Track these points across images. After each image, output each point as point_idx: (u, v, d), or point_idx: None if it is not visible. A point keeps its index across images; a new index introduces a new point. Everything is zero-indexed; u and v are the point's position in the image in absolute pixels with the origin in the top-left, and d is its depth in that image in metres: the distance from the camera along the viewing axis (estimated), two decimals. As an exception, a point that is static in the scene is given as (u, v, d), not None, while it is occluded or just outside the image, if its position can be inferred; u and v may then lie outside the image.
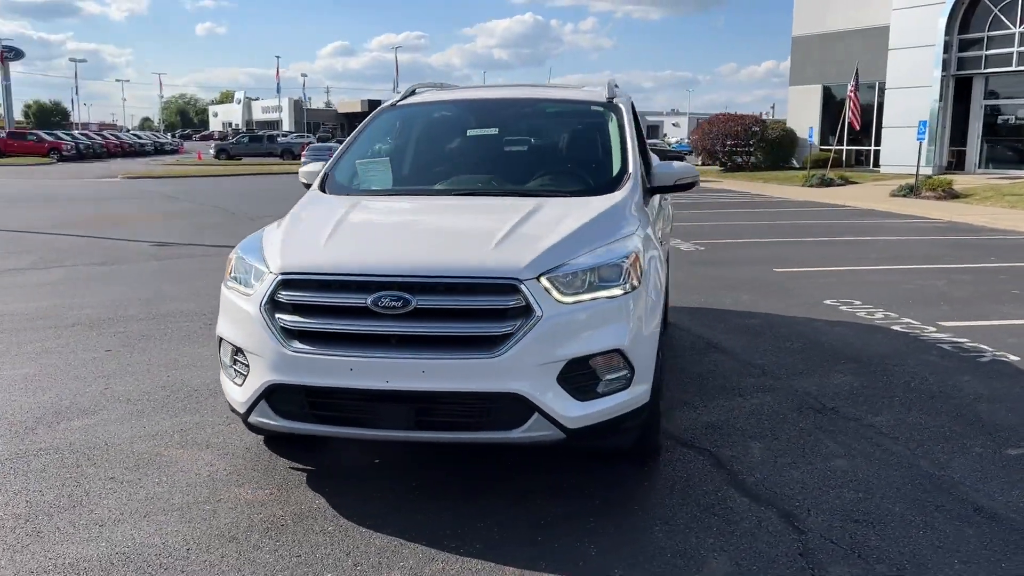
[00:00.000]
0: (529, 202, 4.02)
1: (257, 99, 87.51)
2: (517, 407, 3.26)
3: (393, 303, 3.27)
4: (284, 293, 3.42)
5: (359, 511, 3.49)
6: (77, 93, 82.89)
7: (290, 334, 3.39)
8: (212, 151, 52.28)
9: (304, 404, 3.41)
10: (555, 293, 3.31)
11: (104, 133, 64.55)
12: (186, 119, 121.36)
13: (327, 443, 4.18)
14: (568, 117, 5.18)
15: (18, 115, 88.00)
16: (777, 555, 3.14)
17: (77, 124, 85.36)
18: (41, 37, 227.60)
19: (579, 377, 3.35)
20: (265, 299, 3.45)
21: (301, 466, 3.97)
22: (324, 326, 3.35)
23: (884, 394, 5.06)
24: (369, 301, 3.28)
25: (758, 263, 10.24)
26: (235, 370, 3.61)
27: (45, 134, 52.86)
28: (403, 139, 5.08)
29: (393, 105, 5.25)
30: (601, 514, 3.47)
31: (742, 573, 3.01)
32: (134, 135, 67.20)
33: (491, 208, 4.01)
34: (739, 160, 32.29)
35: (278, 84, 75.60)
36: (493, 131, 5.02)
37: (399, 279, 3.30)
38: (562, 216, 3.82)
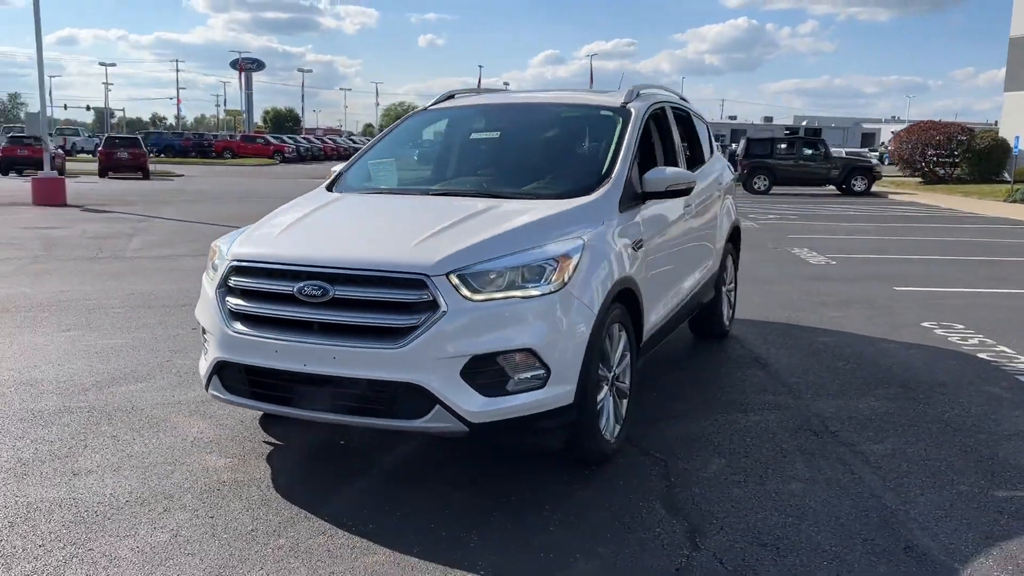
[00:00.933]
0: (488, 203, 4.14)
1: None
2: (419, 397, 3.41)
3: (314, 292, 3.51)
4: (233, 278, 3.76)
5: (298, 488, 3.75)
6: (304, 100, 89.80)
7: (234, 316, 3.72)
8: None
9: (244, 381, 3.73)
10: (464, 290, 3.42)
11: (324, 137, 69.77)
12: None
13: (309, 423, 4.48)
14: (573, 121, 5.21)
15: (259, 120, 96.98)
16: (653, 566, 3.09)
17: (305, 129, 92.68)
18: (285, 50, 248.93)
19: (485, 373, 3.44)
20: (219, 283, 3.81)
21: (275, 441, 4.30)
22: (259, 310, 3.65)
23: (906, 422, 4.70)
24: (295, 289, 3.55)
25: (882, 280, 9.59)
26: (203, 348, 4.00)
27: (272, 138, 58.06)
28: (418, 141, 5.32)
29: (425, 109, 5.50)
30: (510, 509, 3.54)
31: (600, 579, 3.00)
32: (350, 139, 72.19)
33: (446, 208, 4.15)
34: (941, 172, 29.89)
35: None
36: (495, 135, 5.15)
37: (321, 270, 3.54)
38: (507, 218, 3.91)
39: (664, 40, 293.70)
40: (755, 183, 27.21)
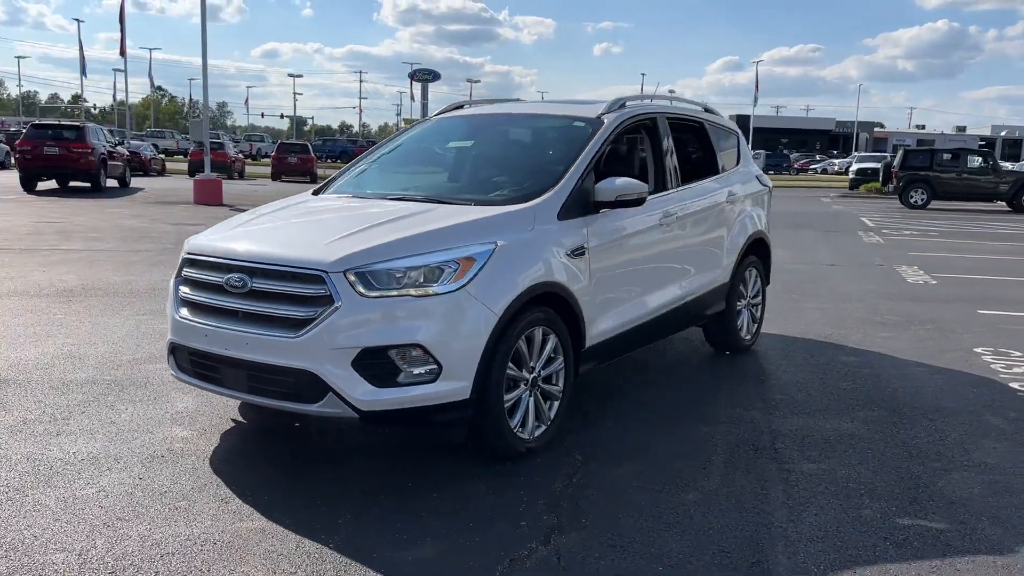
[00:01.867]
0: (426, 207, 4.41)
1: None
2: (314, 384, 3.72)
3: (236, 283, 3.91)
4: (185, 270, 4.23)
5: (228, 461, 4.15)
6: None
7: (183, 303, 4.19)
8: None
9: (188, 362, 4.18)
10: (359, 287, 3.70)
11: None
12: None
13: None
14: (546, 132, 5.35)
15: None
16: (490, 555, 3.24)
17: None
18: (465, 61, 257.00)
19: (376, 364, 3.71)
20: (175, 274, 4.29)
21: (240, 420, 4.74)
22: (198, 298, 4.10)
23: (863, 445, 4.54)
24: (224, 280, 3.96)
25: (970, 302, 8.99)
26: None
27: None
28: (407, 147, 5.64)
29: (427, 118, 5.82)
30: (401, 494, 3.78)
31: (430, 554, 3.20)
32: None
33: (384, 211, 4.43)
34: None
35: (643, 99, 77.67)
36: (468, 144, 5.39)
37: (244, 264, 3.93)
38: (432, 221, 4.15)
39: (852, 45, 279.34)
40: (911, 197, 25.71)
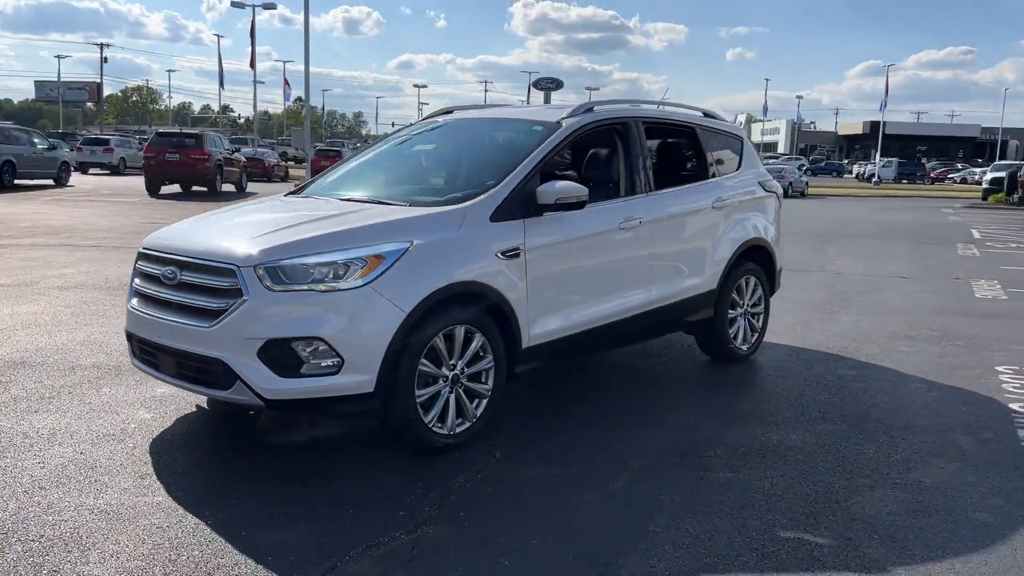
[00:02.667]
0: (357, 207, 4.62)
1: (759, 121, 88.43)
2: (225, 371, 3.96)
3: (169, 276, 4.21)
4: (139, 263, 4.57)
5: (170, 443, 4.45)
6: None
7: (134, 293, 4.53)
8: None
9: (138, 348, 4.51)
10: (267, 281, 3.92)
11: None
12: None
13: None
14: (508, 136, 5.41)
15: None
16: (343, 540, 3.38)
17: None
18: (593, 68, 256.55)
19: (280, 355, 3.91)
20: (133, 267, 4.64)
21: (203, 407, 5.04)
22: (145, 289, 4.42)
23: (800, 457, 4.42)
24: (161, 273, 4.27)
25: (1028, 319, 8.43)
26: None
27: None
28: (386, 151, 5.83)
29: (412, 123, 6.01)
30: (306, 482, 3.98)
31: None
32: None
33: (318, 210, 4.65)
34: None
35: (764, 106, 75.50)
36: (430, 148, 5.53)
37: (176, 258, 4.23)
38: (357, 220, 4.34)
39: (1008, 47, 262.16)
40: (1037, 207, 24.03)
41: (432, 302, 4.13)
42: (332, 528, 3.49)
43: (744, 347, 6.41)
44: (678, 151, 6.17)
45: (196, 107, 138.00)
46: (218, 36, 52.60)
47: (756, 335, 6.55)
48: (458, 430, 4.37)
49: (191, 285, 4.13)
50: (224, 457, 4.29)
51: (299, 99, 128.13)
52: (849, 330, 7.64)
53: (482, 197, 4.58)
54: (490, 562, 3.24)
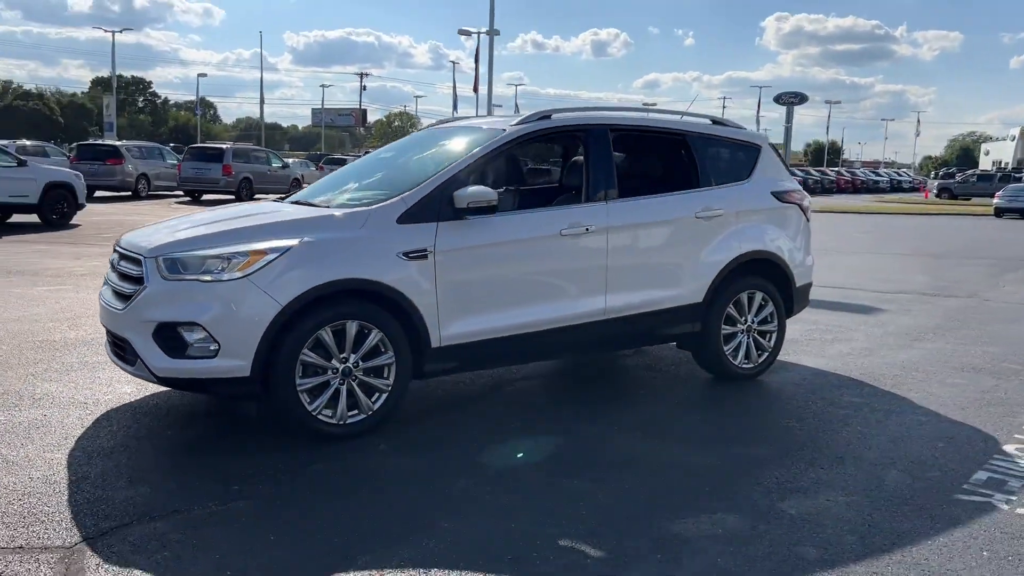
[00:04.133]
0: (275, 207, 5.12)
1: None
2: (130, 350, 4.48)
3: (116, 266, 4.81)
4: (112, 257, 5.23)
5: (132, 417, 5.03)
6: (843, 131, 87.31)
7: (105, 282, 5.18)
8: (934, 189, 50.59)
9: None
10: (163, 271, 4.40)
11: (846, 170, 67.54)
12: (968, 158, 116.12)
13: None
14: (455, 142, 5.51)
15: (800, 152, 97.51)
16: (158, 502, 3.74)
17: (842, 161, 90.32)
18: (852, 81, 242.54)
19: (169, 337, 4.37)
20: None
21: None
22: (108, 279, 5.04)
23: (680, 477, 4.20)
24: (112, 262, 4.89)
25: None
26: None
27: (797, 171, 58.52)
28: (368, 159, 6.16)
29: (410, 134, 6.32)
30: (168, 451, 4.40)
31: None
32: (870, 172, 68.78)
33: (253, 212, 5.06)
34: None
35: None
36: (390, 155, 5.77)
37: (123, 251, 4.81)
38: (260, 220, 4.75)
39: None
40: None
41: (313, 296, 4.40)
42: (159, 491, 3.85)
43: (747, 366, 6.05)
44: (659, 159, 5.99)
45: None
46: (453, 63, 55.11)
47: (765, 355, 6.15)
48: (349, 420, 4.58)
49: (123, 274, 4.70)
50: (162, 431, 4.79)
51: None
52: (911, 358, 6.93)
53: (393, 200, 4.79)
54: (257, 538, 3.44)
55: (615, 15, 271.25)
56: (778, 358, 6.64)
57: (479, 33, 40.85)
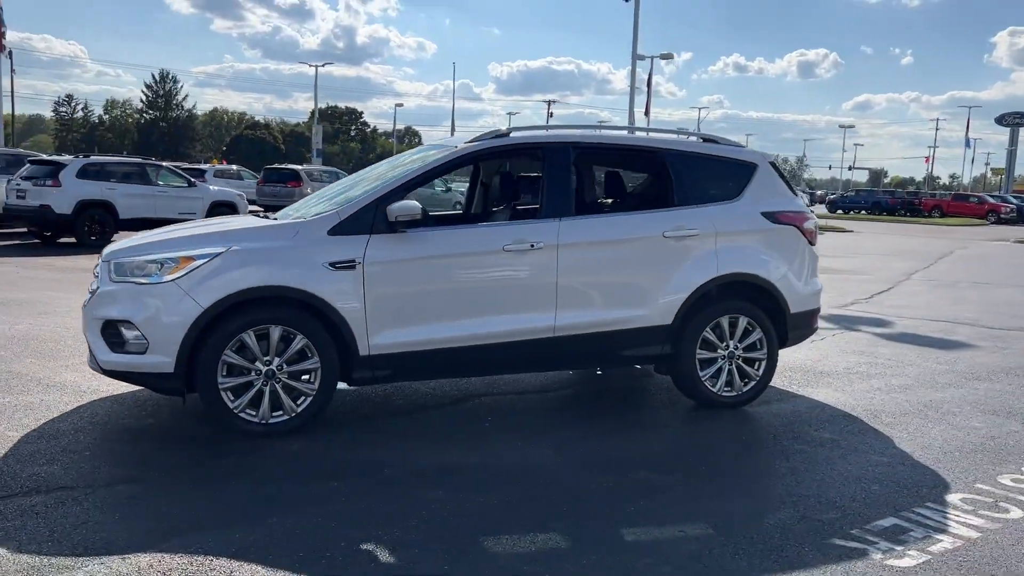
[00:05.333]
0: (230, 219, 5.42)
1: None
2: (88, 345, 5.00)
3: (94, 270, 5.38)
4: (110, 261, 5.82)
5: (101, 402, 5.61)
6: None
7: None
8: None
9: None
10: (112, 273, 4.88)
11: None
12: None
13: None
14: (414, 159, 5.65)
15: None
16: (60, 478, 4.17)
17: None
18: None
19: (111, 333, 4.83)
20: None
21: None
22: None
23: (543, 496, 4.12)
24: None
25: None
26: None
27: (991, 197, 53.44)
28: (356, 174, 6.42)
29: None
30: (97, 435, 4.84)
31: None
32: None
33: (219, 224, 5.45)
34: None
35: None
36: (372, 171, 6.00)
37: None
38: (205, 230, 5.14)
39: None
40: None
41: (236, 300, 4.72)
42: (68, 469, 4.28)
43: (729, 393, 5.77)
44: (631, 177, 5.85)
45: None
46: (631, 87, 54.17)
47: (752, 384, 5.83)
48: (272, 421, 4.85)
49: (96, 276, 5.24)
50: (137, 438, 5.28)
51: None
52: (944, 398, 6.30)
53: (327, 213, 5.05)
54: (108, 516, 3.76)
55: (825, 35, 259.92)
56: (789, 389, 6.31)
57: (652, 58, 40.71)
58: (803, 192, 62.25)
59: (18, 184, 16.58)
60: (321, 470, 4.40)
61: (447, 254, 5.16)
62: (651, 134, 6.13)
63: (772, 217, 5.89)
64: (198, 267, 4.74)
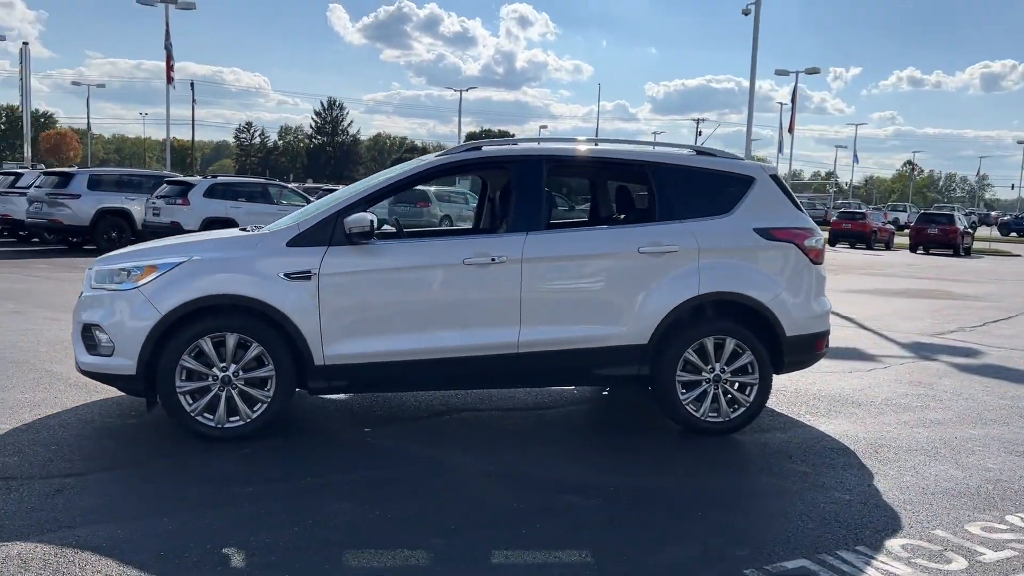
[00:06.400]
0: (221, 233, 5.63)
1: None
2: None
3: (93, 277, 5.76)
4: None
5: (99, 413, 5.97)
6: None
7: None
8: None
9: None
10: (92, 280, 5.20)
11: None
12: None
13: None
14: (389, 172, 5.67)
15: None
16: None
17: None
18: None
19: (88, 336, 5.14)
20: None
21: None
22: None
23: (422, 523, 4.03)
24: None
25: None
26: None
27: None
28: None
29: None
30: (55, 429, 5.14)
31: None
32: None
33: (200, 235, 5.69)
34: None
35: None
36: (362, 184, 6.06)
37: None
38: (184, 241, 5.41)
39: None
40: None
41: (193, 308, 4.92)
42: (24, 460, 4.58)
43: (715, 419, 5.45)
44: (610, 191, 5.64)
45: (807, 173, 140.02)
46: (781, 104, 51.64)
47: (741, 410, 5.48)
48: (228, 425, 5.01)
49: (87, 282, 5.60)
50: (112, 434, 5.61)
51: (908, 163, 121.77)
52: (971, 435, 5.69)
53: (288, 225, 5.18)
54: (34, 502, 4.00)
55: (1013, 45, 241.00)
56: (797, 417, 5.91)
57: (796, 73, 39.22)
58: (969, 212, 57.63)
59: (154, 203, 17.97)
60: (238, 476, 4.48)
61: (405, 266, 5.17)
62: (635, 147, 5.88)
63: (766, 233, 5.53)
64: (160, 275, 4.97)
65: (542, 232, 5.30)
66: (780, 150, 49.95)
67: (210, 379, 4.99)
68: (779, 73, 39.31)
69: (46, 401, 5.78)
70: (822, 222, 46.73)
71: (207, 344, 4.96)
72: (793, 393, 6.69)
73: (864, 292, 15.26)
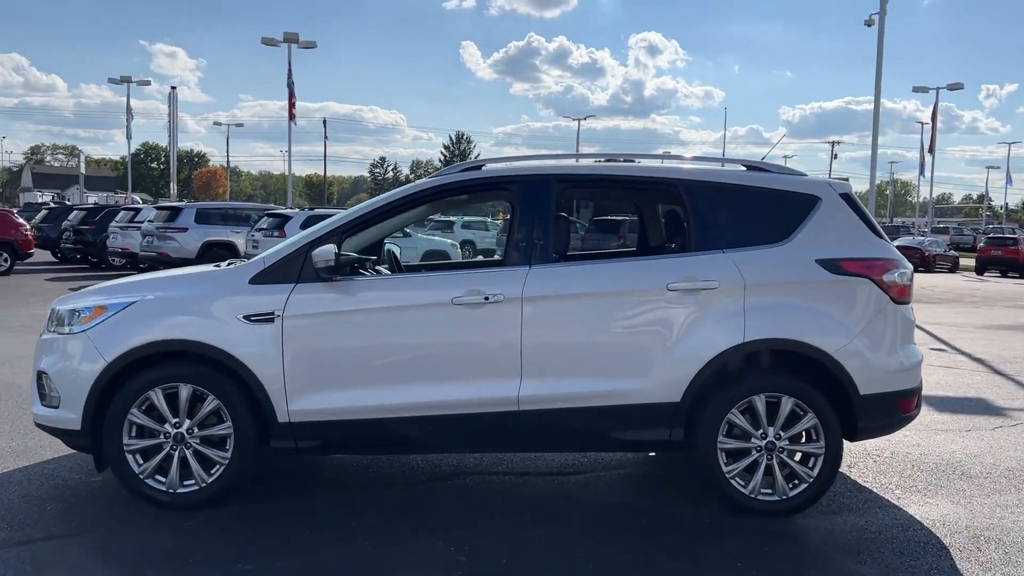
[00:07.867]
0: (199, 267, 5.05)
1: None
2: (37, 395, 4.83)
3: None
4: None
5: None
6: None
7: None
8: None
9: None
10: (52, 323, 4.63)
11: None
12: None
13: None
14: (385, 193, 4.91)
15: None
16: None
17: None
18: None
19: (40, 385, 4.59)
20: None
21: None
22: None
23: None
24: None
25: None
26: None
27: None
28: None
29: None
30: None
31: None
32: None
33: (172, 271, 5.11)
34: None
35: None
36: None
37: None
38: (146, 277, 4.87)
39: None
40: None
41: (140, 355, 4.30)
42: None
43: (769, 497, 4.38)
44: (635, 215, 4.68)
45: (957, 197, 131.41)
46: (921, 124, 47.33)
47: (803, 487, 4.38)
48: (180, 490, 4.34)
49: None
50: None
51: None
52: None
53: (252, 260, 4.51)
54: None
55: None
56: (885, 495, 4.81)
57: (938, 89, 36.42)
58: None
59: (253, 236, 18.07)
60: (176, 554, 3.79)
61: (383, 307, 4.40)
62: (666, 163, 4.88)
63: (833, 265, 4.44)
64: (108, 317, 4.39)
65: (548, 265, 4.42)
66: (921, 172, 46.60)
67: (162, 436, 4.34)
68: (917, 90, 36.47)
69: (36, 448, 5.31)
70: (970, 248, 43.64)
71: (158, 396, 4.32)
72: (888, 459, 5.48)
73: (1007, 328, 13.39)
